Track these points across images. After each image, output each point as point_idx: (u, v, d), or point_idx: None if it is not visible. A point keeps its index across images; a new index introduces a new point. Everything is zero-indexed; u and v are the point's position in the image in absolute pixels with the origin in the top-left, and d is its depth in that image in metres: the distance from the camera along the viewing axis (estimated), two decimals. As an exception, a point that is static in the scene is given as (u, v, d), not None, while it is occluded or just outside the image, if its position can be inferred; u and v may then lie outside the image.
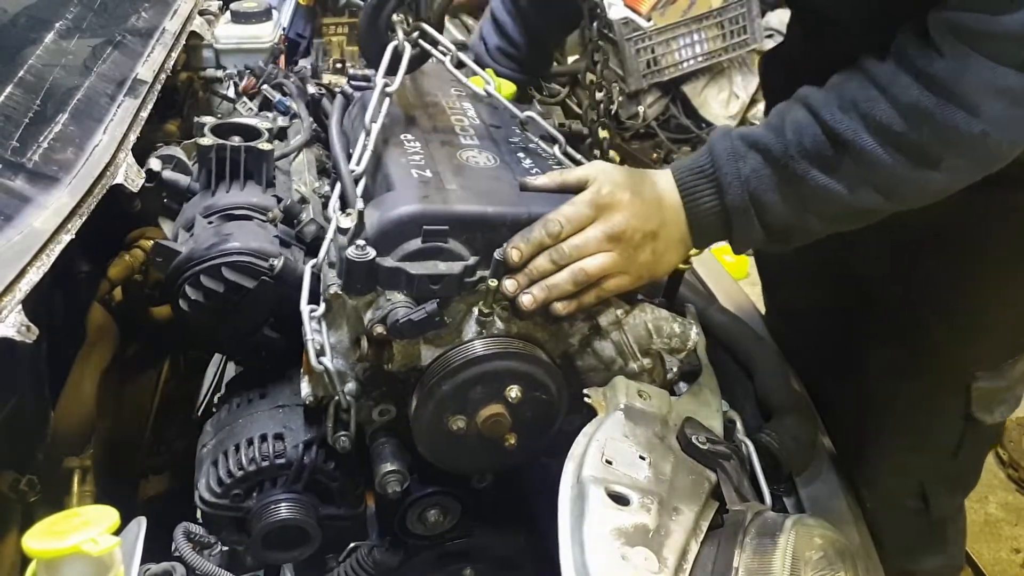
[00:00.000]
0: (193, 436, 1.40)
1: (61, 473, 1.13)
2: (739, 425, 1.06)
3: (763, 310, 1.64)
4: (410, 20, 1.10)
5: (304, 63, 1.69)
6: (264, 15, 1.79)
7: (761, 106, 3.97)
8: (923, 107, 0.88)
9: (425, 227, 0.93)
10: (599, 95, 1.24)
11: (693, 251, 1.05)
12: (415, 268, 0.93)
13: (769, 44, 3.86)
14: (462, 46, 1.31)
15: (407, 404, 0.99)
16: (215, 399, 1.26)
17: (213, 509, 1.00)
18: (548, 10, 1.36)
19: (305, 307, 0.92)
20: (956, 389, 1.29)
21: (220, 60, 1.76)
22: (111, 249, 1.30)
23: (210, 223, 1.08)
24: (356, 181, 1.00)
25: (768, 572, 0.77)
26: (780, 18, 3.97)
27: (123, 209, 1.22)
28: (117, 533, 0.71)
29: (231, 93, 1.63)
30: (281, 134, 1.32)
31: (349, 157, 1.03)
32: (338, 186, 1.01)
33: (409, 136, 1.10)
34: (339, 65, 1.60)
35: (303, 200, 1.12)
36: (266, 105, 1.49)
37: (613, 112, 4.05)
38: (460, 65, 1.13)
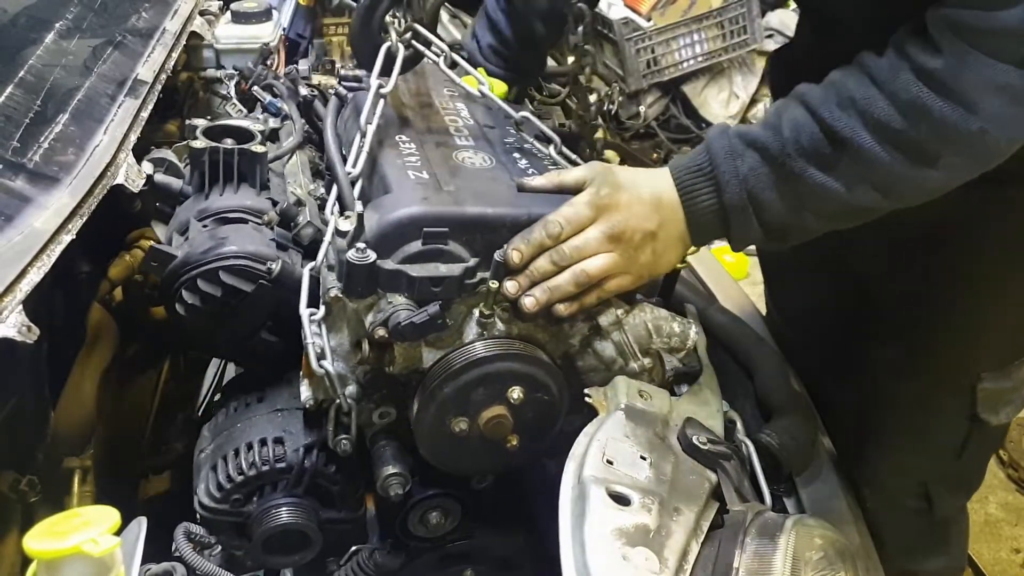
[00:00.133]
0: (193, 436, 1.40)
1: (61, 473, 1.13)
2: (739, 425, 1.06)
3: (763, 310, 1.64)
4: (403, 21, 1.10)
5: (304, 63, 1.69)
6: (264, 15, 1.79)
7: (761, 106, 3.97)
8: (921, 104, 0.88)
9: (425, 229, 0.92)
10: (592, 98, 1.24)
11: (691, 249, 1.05)
12: (416, 270, 0.92)
13: (769, 44, 3.86)
14: (456, 46, 1.30)
15: (407, 406, 0.99)
16: (215, 399, 1.26)
17: (213, 514, 1.00)
18: (542, 9, 1.35)
19: (304, 311, 0.91)
20: (960, 389, 1.29)
21: (220, 60, 1.76)
22: (111, 249, 1.30)
23: (204, 227, 1.08)
24: (353, 183, 0.99)
25: (768, 572, 0.77)
26: (780, 18, 3.97)
27: (123, 209, 1.22)
28: (117, 533, 0.71)
29: (231, 93, 1.63)
30: (272, 136, 1.32)
31: (344, 159, 1.03)
32: (335, 188, 1.00)
33: (404, 137, 1.10)
34: (329, 66, 1.59)
35: (299, 203, 1.12)
36: (256, 106, 1.48)
37: (613, 112, 4.05)
38: (453, 65, 1.13)
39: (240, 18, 1.78)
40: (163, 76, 1.38)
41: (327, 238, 0.94)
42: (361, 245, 0.90)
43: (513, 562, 1.17)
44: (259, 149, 1.16)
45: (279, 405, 1.05)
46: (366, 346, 0.93)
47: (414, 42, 1.11)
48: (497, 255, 0.94)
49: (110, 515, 0.72)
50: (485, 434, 0.96)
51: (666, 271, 1.05)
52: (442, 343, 0.96)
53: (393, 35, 1.09)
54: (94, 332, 1.22)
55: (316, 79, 1.49)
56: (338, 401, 0.94)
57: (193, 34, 1.65)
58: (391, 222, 0.93)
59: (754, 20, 3.85)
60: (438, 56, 1.12)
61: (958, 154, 0.92)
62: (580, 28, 1.17)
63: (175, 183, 1.19)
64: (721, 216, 0.99)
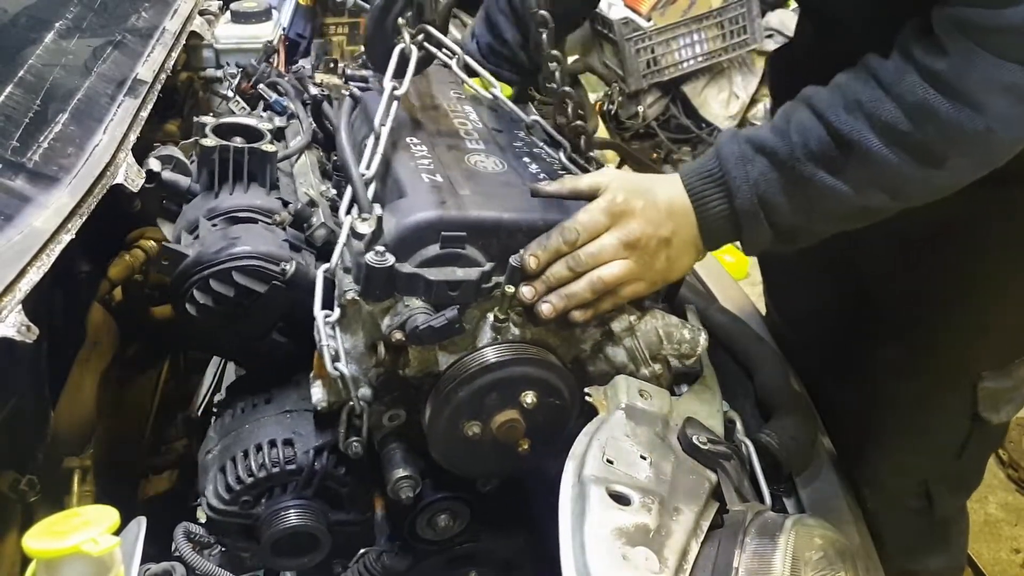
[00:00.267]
0: (193, 436, 1.40)
1: (61, 473, 1.13)
2: (739, 425, 1.06)
3: (763, 310, 1.64)
4: (415, 23, 1.10)
5: (304, 63, 1.68)
6: (264, 15, 1.79)
7: (761, 106, 3.97)
8: (928, 106, 0.88)
9: (444, 233, 0.92)
10: (570, 108, 1.20)
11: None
12: (433, 274, 0.92)
13: (769, 44, 3.86)
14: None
15: (417, 409, 0.99)
16: (215, 399, 1.26)
17: (222, 516, 0.99)
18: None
19: (319, 312, 0.91)
20: (961, 389, 1.29)
21: (220, 60, 1.76)
22: (111, 249, 1.30)
23: (215, 226, 1.07)
24: (367, 185, 0.99)
25: (768, 572, 0.77)
26: (780, 18, 3.97)
27: (123, 209, 1.21)
28: (117, 533, 0.71)
29: (232, 91, 1.62)
30: (278, 134, 1.31)
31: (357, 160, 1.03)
32: (349, 190, 1.00)
33: (415, 140, 1.10)
34: (332, 65, 1.59)
35: (312, 203, 1.11)
36: (258, 105, 1.48)
37: (613, 112, 4.06)
38: (466, 68, 1.13)
39: (240, 18, 1.78)
40: (163, 76, 1.38)
41: (341, 240, 0.94)
42: (380, 248, 0.90)
43: (515, 563, 1.17)
44: (269, 148, 1.15)
45: (287, 406, 1.05)
46: (382, 349, 0.93)
47: (426, 44, 1.10)
48: (513, 260, 0.94)
49: (110, 515, 0.72)
50: (498, 438, 0.96)
51: (680, 277, 1.06)
52: (456, 347, 0.96)
53: (406, 37, 1.09)
54: (94, 332, 1.22)
55: (318, 78, 1.49)
56: (351, 403, 0.94)
57: (193, 34, 1.65)
58: (410, 226, 0.93)
59: (754, 20, 3.85)
60: (450, 58, 1.12)
61: (965, 154, 0.92)
62: (544, 34, 1.15)
63: (183, 180, 1.18)
64: (733, 221, 0.99)
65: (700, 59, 3.89)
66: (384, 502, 1.08)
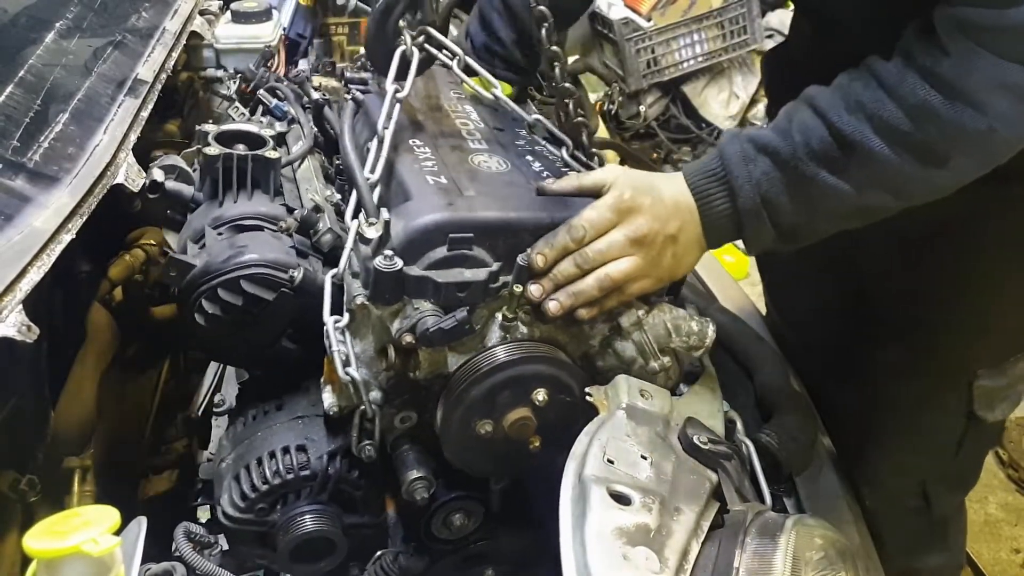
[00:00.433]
0: (193, 436, 1.40)
1: (61, 473, 1.13)
2: (739, 425, 1.06)
3: (763, 310, 1.64)
4: (416, 24, 1.10)
5: (303, 63, 1.68)
6: (264, 15, 1.79)
7: (761, 106, 3.97)
8: (930, 106, 0.88)
9: (451, 235, 0.93)
10: (570, 105, 1.20)
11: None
12: (442, 276, 0.93)
13: (769, 44, 3.86)
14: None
15: (428, 410, 0.99)
16: (215, 399, 1.26)
17: (238, 524, 0.99)
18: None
19: (329, 318, 0.91)
20: (957, 387, 1.29)
21: (220, 60, 1.76)
22: (111, 249, 1.30)
23: (220, 235, 1.07)
24: (372, 189, 0.99)
25: (769, 572, 0.76)
26: (780, 18, 3.97)
27: (123, 209, 1.21)
28: (117, 533, 0.71)
29: (232, 94, 1.63)
30: (280, 140, 1.31)
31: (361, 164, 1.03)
32: (354, 194, 1.00)
33: (417, 141, 1.10)
34: (329, 68, 1.58)
35: (317, 209, 1.11)
36: (257, 109, 1.47)
37: (613, 112, 4.06)
38: (467, 69, 1.13)
39: (240, 18, 1.78)
40: (163, 76, 1.38)
41: (349, 244, 0.94)
42: (388, 252, 0.91)
43: (530, 560, 1.17)
44: (272, 155, 1.15)
45: (299, 412, 1.05)
46: (392, 352, 0.93)
47: (427, 45, 1.10)
48: (520, 259, 0.95)
49: (110, 515, 0.72)
50: (510, 436, 0.97)
51: (686, 274, 1.06)
52: (465, 347, 0.96)
53: (407, 39, 1.09)
54: (94, 332, 1.22)
55: (316, 80, 1.48)
56: (362, 407, 0.94)
57: (193, 34, 1.65)
58: (418, 229, 0.93)
59: (754, 20, 3.85)
60: (451, 59, 1.12)
61: (967, 154, 0.92)
62: (543, 31, 1.15)
63: (186, 190, 1.18)
64: (735, 220, 0.99)
65: (700, 59, 3.89)
66: (396, 503, 1.08)
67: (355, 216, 0.97)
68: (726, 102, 4.00)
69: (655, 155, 3.98)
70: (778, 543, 0.78)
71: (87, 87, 1.23)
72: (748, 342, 1.26)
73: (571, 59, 3.56)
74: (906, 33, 0.92)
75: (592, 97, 4.15)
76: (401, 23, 1.10)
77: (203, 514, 1.11)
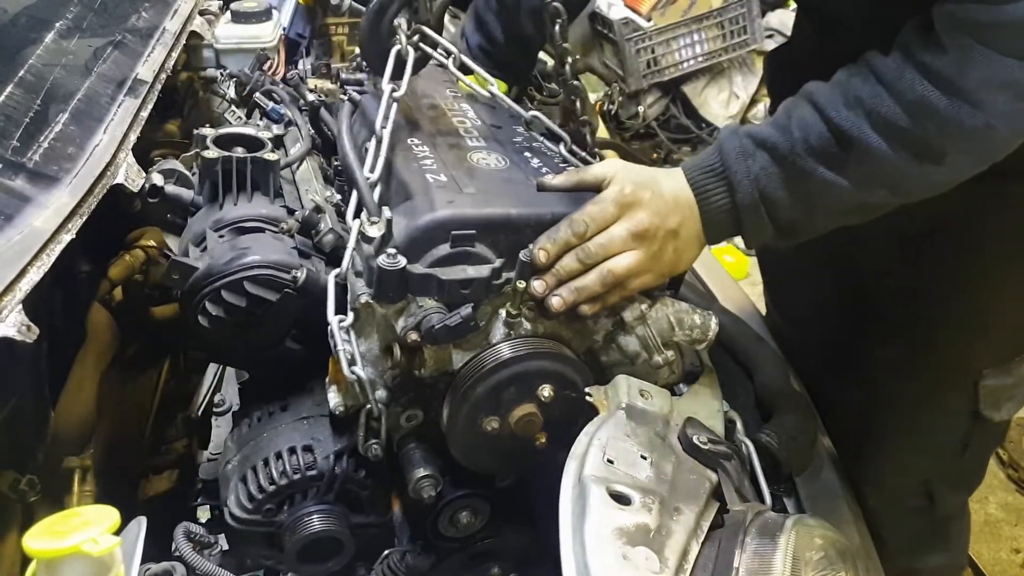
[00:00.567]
0: (193, 436, 1.40)
1: (61, 473, 1.13)
2: (739, 425, 1.06)
3: (763, 310, 1.64)
4: (411, 23, 1.10)
5: (302, 64, 1.68)
6: (264, 15, 1.79)
7: (761, 106, 3.97)
8: (928, 103, 0.88)
9: (454, 232, 0.93)
10: (577, 103, 1.21)
11: None
12: (445, 273, 0.93)
13: (769, 44, 3.86)
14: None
15: (434, 408, 0.99)
16: (215, 399, 1.26)
17: (245, 525, 0.99)
18: (532, 9, 1.34)
19: (333, 318, 0.91)
20: (962, 387, 1.29)
21: (220, 60, 1.76)
22: (111, 249, 1.30)
23: (222, 237, 1.07)
24: (372, 188, 0.99)
25: (769, 572, 0.76)
26: (780, 18, 3.98)
27: (123, 209, 1.21)
28: (117, 533, 0.71)
29: (230, 95, 1.62)
30: (278, 142, 1.31)
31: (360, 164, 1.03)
32: (354, 194, 1.00)
33: (415, 140, 1.10)
34: (324, 70, 1.58)
35: (318, 209, 1.11)
36: (254, 111, 1.47)
37: (613, 112, 4.06)
38: (462, 67, 1.13)
39: (240, 18, 1.78)
40: (163, 76, 1.38)
41: (351, 244, 0.94)
42: (391, 251, 0.91)
43: (534, 557, 1.17)
44: (271, 157, 1.15)
45: (304, 413, 1.05)
46: (398, 350, 0.93)
47: (422, 44, 1.10)
48: (523, 255, 0.95)
49: (110, 515, 0.72)
50: (516, 432, 0.97)
51: (687, 269, 1.06)
52: (470, 344, 0.96)
53: (402, 38, 1.09)
54: (94, 332, 1.22)
55: (312, 83, 1.48)
56: (368, 406, 0.94)
57: (193, 34, 1.65)
58: (420, 227, 0.93)
59: (754, 20, 3.86)
60: (446, 58, 1.12)
61: (965, 150, 0.92)
62: (556, 27, 1.15)
63: (186, 194, 1.18)
64: (734, 215, 0.99)
65: (700, 59, 3.89)
66: (402, 502, 1.08)
67: (356, 216, 0.97)
68: (726, 102, 4.00)
69: (655, 155, 3.98)
70: (778, 543, 0.78)
71: (87, 87, 1.23)
72: (748, 342, 1.26)
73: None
74: (905, 29, 0.92)
75: (592, 97, 4.15)
76: (396, 22, 1.10)
77: (203, 514, 1.11)
